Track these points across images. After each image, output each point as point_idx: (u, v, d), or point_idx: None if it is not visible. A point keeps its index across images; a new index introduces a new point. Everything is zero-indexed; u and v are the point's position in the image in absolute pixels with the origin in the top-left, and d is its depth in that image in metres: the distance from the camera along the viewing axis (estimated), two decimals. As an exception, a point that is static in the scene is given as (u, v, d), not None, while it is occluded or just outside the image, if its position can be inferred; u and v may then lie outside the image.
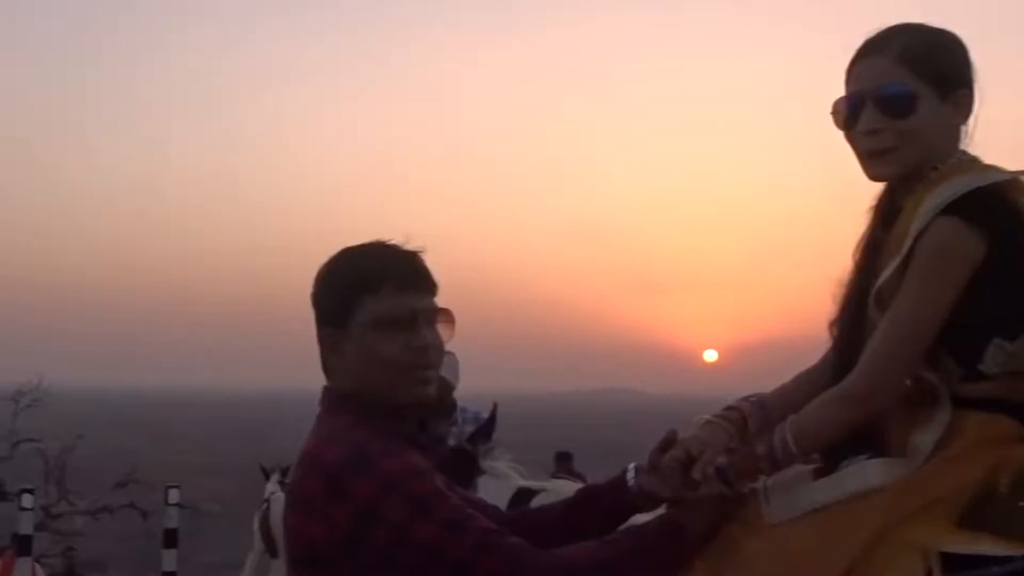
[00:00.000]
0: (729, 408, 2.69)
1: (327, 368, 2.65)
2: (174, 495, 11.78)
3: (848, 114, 2.62)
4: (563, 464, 14.45)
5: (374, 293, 2.56)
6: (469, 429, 4.20)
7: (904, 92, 2.53)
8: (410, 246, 2.64)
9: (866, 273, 2.64)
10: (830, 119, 2.68)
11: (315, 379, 2.71)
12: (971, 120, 2.62)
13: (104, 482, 18.28)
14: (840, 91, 2.67)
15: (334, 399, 2.63)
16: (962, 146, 2.62)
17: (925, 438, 2.45)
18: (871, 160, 2.60)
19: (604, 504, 2.76)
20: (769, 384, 2.85)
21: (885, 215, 2.67)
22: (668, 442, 2.66)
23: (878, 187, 2.72)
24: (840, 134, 2.67)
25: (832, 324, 2.76)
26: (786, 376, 2.86)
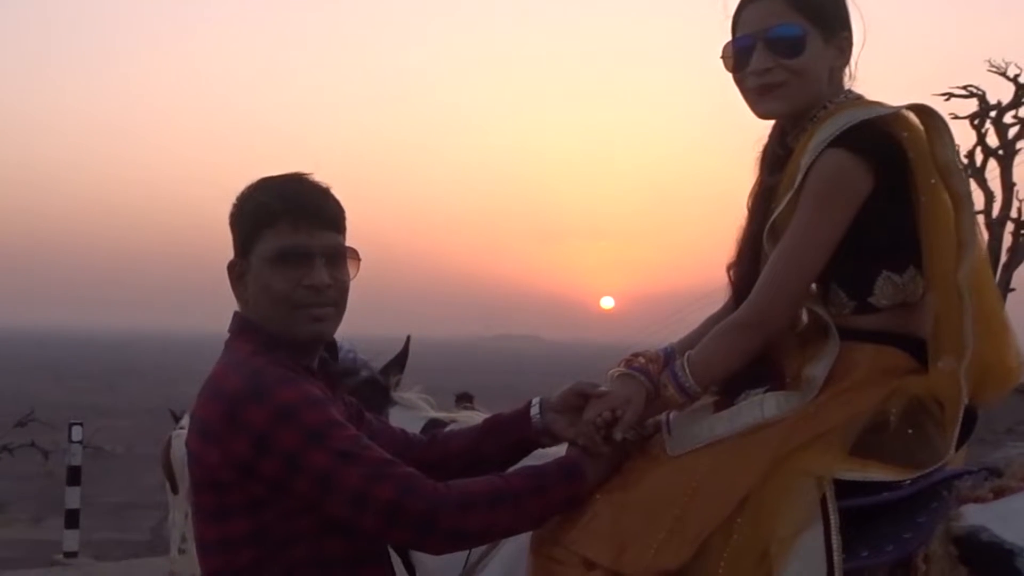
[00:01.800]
0: (637, 355, 2.71)
1: (235, 294, 2.66)
2: (77, 432, 11.69)
3: (737, 56, 2.68)
4: (465, 406, 14.48)
5: (271, 228, 2.55)
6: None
7: (794, 32, 2.60)
8: (319, 181, 2.62)
9: (759, 219, 2.70)
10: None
11: (221, 322, 2.72)
12: (853, 62, 2.70)
13: (3, 422, 18.01)
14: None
15: (240, 325, 2.64)
16: (846, 87, 2.69)
17: (816, 371, 2.54)
18: (761, 97, 2.66)
19: (508, 437, 2.82)
20: (662, 330, 2.90)
21: (772, 161, 2.74)
22: (583, 393, 2.69)
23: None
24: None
25: (730, 267, 2.82)
26: (680, 323, 2.92)
